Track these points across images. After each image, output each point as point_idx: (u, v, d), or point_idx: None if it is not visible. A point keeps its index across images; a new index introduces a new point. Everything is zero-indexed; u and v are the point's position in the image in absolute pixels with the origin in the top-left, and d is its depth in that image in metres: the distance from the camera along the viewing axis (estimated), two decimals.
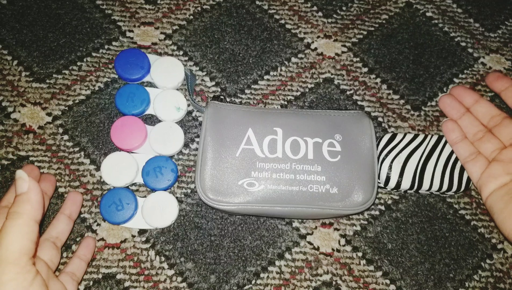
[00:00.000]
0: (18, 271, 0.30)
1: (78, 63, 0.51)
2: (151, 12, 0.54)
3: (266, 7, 0.55)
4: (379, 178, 0.46)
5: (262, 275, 0.45)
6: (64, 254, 0.44)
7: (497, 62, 0.54)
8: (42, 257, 0.39)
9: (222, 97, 0.46)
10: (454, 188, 0.45)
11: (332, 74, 0.52)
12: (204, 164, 0.43)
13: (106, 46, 0.52)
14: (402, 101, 0.52)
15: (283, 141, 0.44)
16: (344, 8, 0.55)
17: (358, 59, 0.53)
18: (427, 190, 0.46)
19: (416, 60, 0.53)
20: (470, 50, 0.54)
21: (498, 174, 0.43)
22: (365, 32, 0.54)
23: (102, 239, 0.45)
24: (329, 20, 0.55)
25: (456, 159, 0.46)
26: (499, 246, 0.47)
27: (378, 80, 0.52)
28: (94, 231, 0.45)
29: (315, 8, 0.55)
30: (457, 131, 0.46)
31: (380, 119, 0.51)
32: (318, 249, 0.46)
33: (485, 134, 0.46)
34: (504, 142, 0.45)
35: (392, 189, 0.47)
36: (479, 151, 0.45)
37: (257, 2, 0.55)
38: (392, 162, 0.46)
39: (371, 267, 0.46)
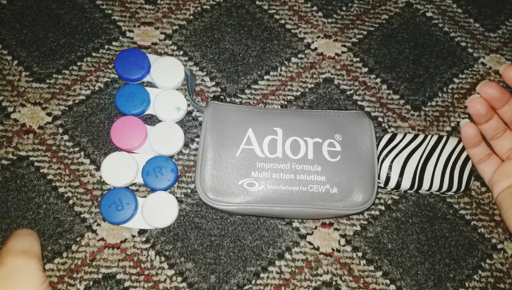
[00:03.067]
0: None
1: (78, 63, 0.51)
2: (151, 12, 0.54)
3: (266, 7, 0.55)
4: (379, 178, 0.46)
5: (262, 275, 0.45)
6: (64, 254, 0.44)
7: (497, 62, 0.54)
8: None
9: (222, 97, 0.46)
10: (454, 188, 0.45)
11: (332, 74, 0.52)
12: (204, 164, 0.42)
13: (106, 46, 0.52)
14: (402, 101, 0.52)
15: (283, 141, 0.44)
16: (344, 8, 0.55)
17: (358, 59, 0.53)
18: (427, 190, 0.46)
19: (416, 60, 0.53)
20: (470, 50, 0.54)
21: (511, 173, 0.43)
22: (365, 32, 0.54)
23: (102, 239, 0.45)
24: (329, 20, 0.55)
25: (456, 159, 0.46)
26: (499, 246, 0.47)
27: (378, 80, 0.52)
28: (94, 231, 0.45)
29: (315, 8, 0.55)
30: (477, 137, 0.44)
31: (380, 119, 0.51)
32: (318, 249, 0.46)
33: (504, 132, 0.44)
34: None
35: (392, 189, 0.47)
36: (492, 152, 0.45)
37: (257, 2, 0.55)
38: (392, 162, 0.46)
39: (371, 267, 0.46)
